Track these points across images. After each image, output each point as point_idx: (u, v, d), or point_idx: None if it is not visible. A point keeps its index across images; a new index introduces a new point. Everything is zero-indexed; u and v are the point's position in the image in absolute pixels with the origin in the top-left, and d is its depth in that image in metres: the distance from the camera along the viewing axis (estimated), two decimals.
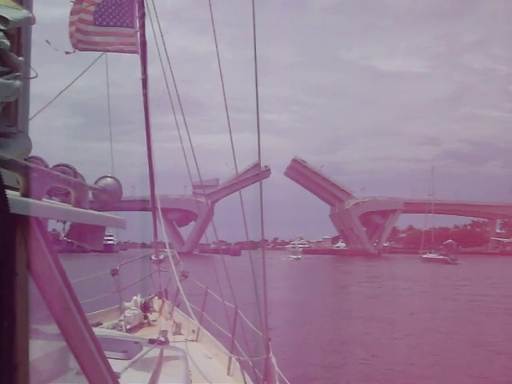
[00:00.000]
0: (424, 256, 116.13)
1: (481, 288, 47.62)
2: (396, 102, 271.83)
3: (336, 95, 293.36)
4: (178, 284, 8.99)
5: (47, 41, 7.45)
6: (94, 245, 2.19)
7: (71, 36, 8.47)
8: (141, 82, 10.36)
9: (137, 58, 10.25)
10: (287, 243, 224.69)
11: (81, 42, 8.57)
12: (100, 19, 8.85)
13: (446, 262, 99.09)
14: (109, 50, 9.05)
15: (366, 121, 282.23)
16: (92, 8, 8.72)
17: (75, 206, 2.00)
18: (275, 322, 23.42)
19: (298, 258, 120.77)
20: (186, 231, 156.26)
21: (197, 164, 8.16)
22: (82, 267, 17.90)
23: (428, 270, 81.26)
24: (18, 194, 1.58)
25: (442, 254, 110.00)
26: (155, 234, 11.75)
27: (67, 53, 8.25)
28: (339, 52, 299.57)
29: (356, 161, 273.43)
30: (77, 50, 8.49)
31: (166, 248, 10.58)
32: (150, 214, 11.98)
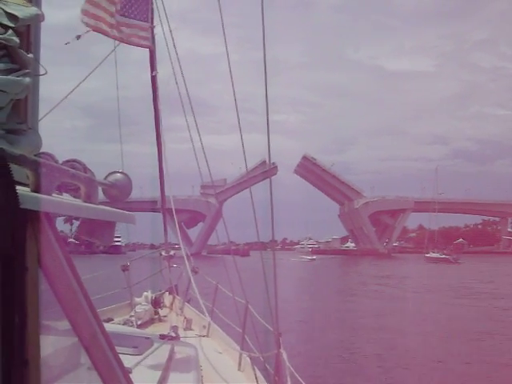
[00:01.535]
0: (427, 255, 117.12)
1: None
2: (404, 102, 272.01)
3: (343, 95, 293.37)
4: (191, 277, 9.01)
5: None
6: (104, 241, 2.19)
7: (85, 14, 8.33)
8: (150, 79, 10.38)
9: (145, 59, 10.29)
10: (296, 243, 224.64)
11: (103, 21, 8.48)
12: (124, 10, 8.89)
13: (449, 262, 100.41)
14: (121, 40, 9.06)
15: (373, 120, 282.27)
16: None
17: (85, 202, 2.00)
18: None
19: (312, 259, 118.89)
20: (194, 232, 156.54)
21: (208, 164, 8.20)
22: (90, 267, 17.96)
23: (425, 270, 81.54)
24: (27, 189, 1.58)
25: (444, 254, 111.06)
26: (165, 231, 11.80)
27: (78, 38, 8.18)
28: (346, 52, 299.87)
29: (364, 160, 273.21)
30: (91, 30, 8.39)
31: (176, 246, 10.63)
32: (158, 214, 12.03)
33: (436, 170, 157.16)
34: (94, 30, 8.44)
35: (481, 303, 35.41)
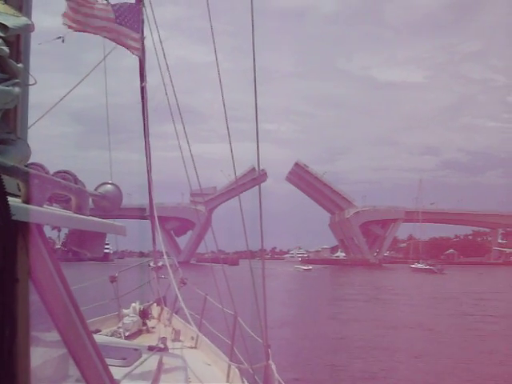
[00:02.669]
0: (412, 266, 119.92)
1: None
2: (395, 112, 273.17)
3: (335, 105, 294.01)
4: (177, 291, 8.97)
5: None
6: (95, 252, 2.18)
7: (67, 16, 8.35)
8: (140, 88, 10.41)
9: (136, 67, 10.32)
10: (286, 253, 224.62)
11: (80, 23, 8.51)
12: (120, 18, 8.95)
13: (433, 272, 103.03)
14: (115, 41, 9.10)
15: (365, 131, 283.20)
16: (108, 7, 8.81)
17: (76, 213, 1.99)
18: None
19: (308, 269, 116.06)
20: (183, 240, 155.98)
21: (196, 172, 8.19)
22: (78, 276, 17.87)
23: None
24: (19, 200, 1.57)
25: (428, 265, 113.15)
26: (154, 242, 11.74)
27: (63, 40, 8.20)
28: (338, 62, 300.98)
29: (355, 170, 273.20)
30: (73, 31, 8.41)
31: (164, 256, 10.58)
32: (147, 222, 11.98)
33: (420, 181, 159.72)
34: (77, 30, 8.45)
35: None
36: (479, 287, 61.48)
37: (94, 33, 8.80)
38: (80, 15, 8.47)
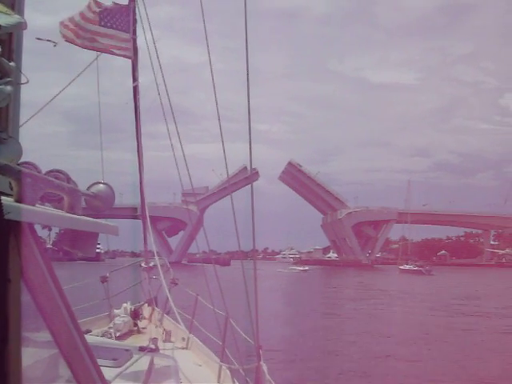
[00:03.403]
0: (401, 267, 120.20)
1: None
2: (387, 114, 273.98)
3: (327, 106, 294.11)
4: (167, 293, 8.96)
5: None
6: (87, 251, 2.17)
7: (63, 26, 8.57)
8: (132, 87, 10.40)
9: (128, 66, 10.31)
10: (277, 253, 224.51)
11: (76, 35, 8.68)
12: (105, 20, 9.00)
13: (421, 273, 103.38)
14: (101, 50, 9.15)
15: (357, 132, 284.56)
16: (97, 9, 8.89)
17: (68, 212, 1.98)
18: None
19: (305, 270, 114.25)
20: (174, 240, 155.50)
21: (188, 172, 8.18)
22: (69, 276, 17.77)
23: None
24: (11, 199, 1.56)
25: (417, 266, 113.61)
26: (145, 242, 11.73)
27: (54, 45, 8.36)
28: (331, 63, 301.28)
29: (347, 171, 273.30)
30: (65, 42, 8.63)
31: (155, 256, 10.57)
32: (138, 222, 11.96)
33: (409, 182, 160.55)
34: (67, 41, 8.64)
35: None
36: (466, 289, 61.32)
37: (84, 47, 8.97)
38: (78, 28, 8.66)
